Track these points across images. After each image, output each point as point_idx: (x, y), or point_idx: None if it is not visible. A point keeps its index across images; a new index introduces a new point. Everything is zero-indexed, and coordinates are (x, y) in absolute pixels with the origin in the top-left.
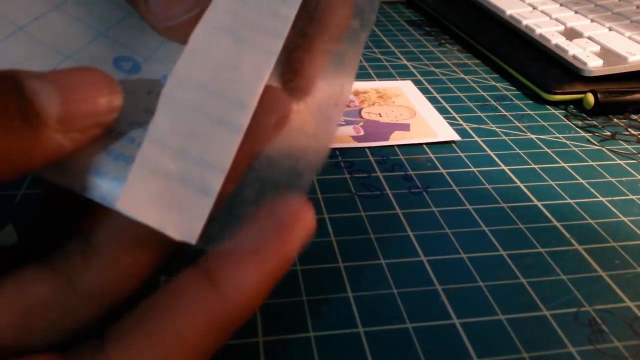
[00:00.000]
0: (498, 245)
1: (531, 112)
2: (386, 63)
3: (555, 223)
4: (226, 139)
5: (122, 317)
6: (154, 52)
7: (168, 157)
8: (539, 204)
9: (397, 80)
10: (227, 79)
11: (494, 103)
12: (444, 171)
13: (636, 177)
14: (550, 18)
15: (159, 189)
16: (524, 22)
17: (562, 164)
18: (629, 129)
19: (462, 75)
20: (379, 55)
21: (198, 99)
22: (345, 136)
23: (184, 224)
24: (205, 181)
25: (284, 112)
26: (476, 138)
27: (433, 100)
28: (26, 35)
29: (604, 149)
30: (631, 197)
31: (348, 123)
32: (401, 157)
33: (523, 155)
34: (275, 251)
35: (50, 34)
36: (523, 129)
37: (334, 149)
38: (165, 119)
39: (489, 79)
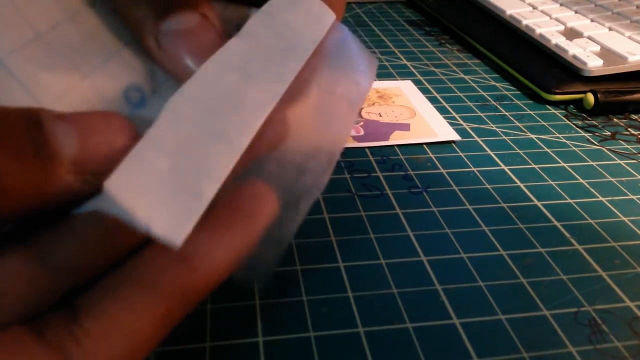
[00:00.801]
0: (498, 245)
1: (531, 112)
2: (386, 63)
3: (555, 223)
4: (225, 153)
5: (94, 287)
6: (162, 85)
7: (164, 156)
8: (539, 203)
9: (397, 80)
10: (232, 104)
11: (494, 103)
12: (444, 171)
13: (636, 177)
14: (550, 18)
15: (150, 184)
16: (524, 22)
17: (562, 164)
18: (629, 129)
19: (462, 75)
20: (379, 55)
21: (201, 114)
22: None
23: (171, 224)
24: (200, 187)
25: (282, 128)
26: (476, 138)
27: (433, 100)
28: (45, 46)
29: (604, 148)
30: (631, 197)
31: None
32: (401, 157)
33: (523, 155)
34: (242, 230)
35: (67, 47)
36: (523, 128)
37: None
38: (166, 125)
39: (489, 78)
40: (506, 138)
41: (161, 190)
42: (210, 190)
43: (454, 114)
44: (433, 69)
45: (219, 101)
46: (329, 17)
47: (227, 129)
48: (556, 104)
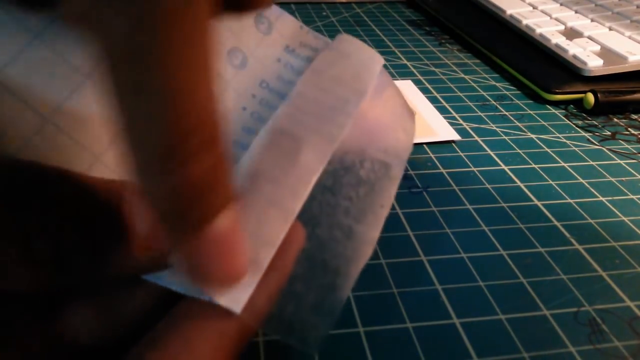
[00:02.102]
0: (498, 245)
1: (531, 112)
2: (386, 63)
3: (555, 223)
4: (279, 219)
5: (139, 341)
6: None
7: None
8: (539, 203)
9: (398, 79)
10: (284, 170)
11: (494, 103)
12: (444, 171)
13: (636, 176)
14: (551, 18)
15: None
16: (524, 21)
17: (562, 164)
18: (629, 129)
19: (462, 75)
20: None
21: (256, 184)
22: None
23: (231, 293)
24: (257, 254)
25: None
26: (476, 138)
27: (433, 100)
28: (87, 91)
29: (604, 148)
30: (631, 196)
31: None
32: None
33: (523, 155)
34: (275, 270)
35: None
36: (523, 128)
37: None
38: None
39: (489, 78)
40: (506, 138)
41: None
42: (266, 257)
43: (454, 114)
44: (433, 68)
45: (272, 168)
46: (378, 63)
47: (280, 195)
48: (556, 104)
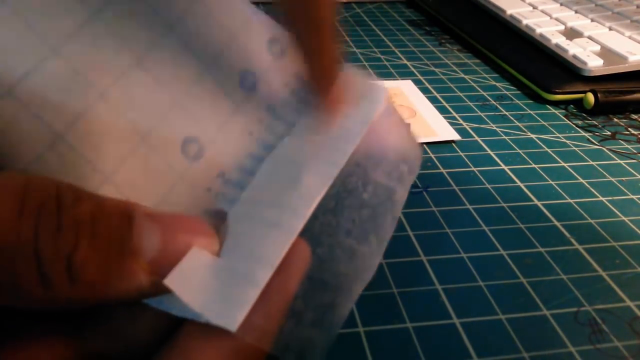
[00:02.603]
0: (498, 245)
1: (531, 112)
2: (386, 63)
3: (555, 223)
4: (279, 240)
5: None
6: (218, 133)
7: (221, 250)
8: (539, 203)
9: (398, 79)
10: (287, 193)
11: (494, 103)
12: (444, 171)
13: (636, 176)
14: (551, 18)
15: (207, 278)
16: (524, 21)
17: (562, 164)
18: (629, 129)
19: (462, 75)
20: (379, 55)
21: (259, 209)
22: None
23: (227, 313)
24: (254, 275)
25: (305, 258)
26: (476, 138)
27: (433, 100)
28: (103, 107)
29: (604, 148)
30: (631, 196)
31: None
32: None
33: (523, 155)
34: (277, 290)
35: (134, 100)
36: (523, 128)
37: None
38: (228, 226)
39: (489, 78)
40: (506, 138)
41: (217, 282)
42: (264, 277)
43: (454, 114)
44: (433, 68)
45: (274, 193)
46: (381, 93)
47: (281, 217)
48: (556, 104)
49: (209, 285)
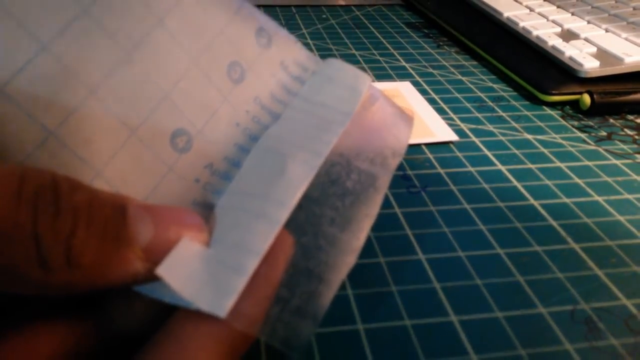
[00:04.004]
0: (495, 244)
1: (528, 113)
2: (385, 64)
3: (552, 222)
4: (265, 229)
5: (140, 349)
6: (206, 124)
7: (210, 245)
8: (535, 203)
9: (396, 81)
10: (272, 183)
11: (491, 104)
12: (442, 171)
13: (632, 176)
14: (547, 20)
15: (196, 266)
16: (521, 24)
17: (559, 164)
18: (625, 129)
19: (460, 77)
20: (378, 57)
21: (243, 200)
22: None
23: (216, 300)
24: (241, 263)
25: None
26: (474, 138)
27: (431, 101)
28: (95, 103)
29: (600, 149)
30: (627, 196)
31: None
32: None
33: (520, 155)
34: (263, 277)
35: (124, 94)
36: (520, 129)
37: None
38: (214, 218)
39: (487, 80)
40: (503, 138)
41: (206, 271)
42: (251, 265)
43: (452, 115)
44: (431, 70)
45: (259, 184)
46: (365, 82)
47: (266, 207)
48: (553, 105)
49: (198, 274)
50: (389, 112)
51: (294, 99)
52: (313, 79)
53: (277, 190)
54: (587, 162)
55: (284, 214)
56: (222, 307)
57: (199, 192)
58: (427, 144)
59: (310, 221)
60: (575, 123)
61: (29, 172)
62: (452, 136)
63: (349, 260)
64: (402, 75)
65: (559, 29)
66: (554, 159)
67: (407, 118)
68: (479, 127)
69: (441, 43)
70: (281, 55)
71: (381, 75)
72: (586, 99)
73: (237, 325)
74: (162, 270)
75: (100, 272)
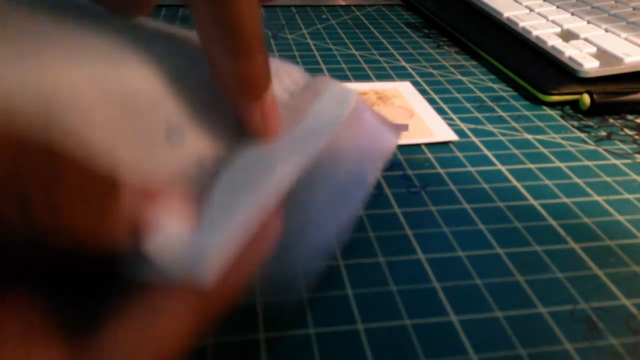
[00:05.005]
0: (495, 244)
1: (527, 113)
2: (385, 65)
3: (552, 222)
4: (249, 209)
5: (116, 310)
6: (200, 122)
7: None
8: (535, 203)
9: (396, 81)
10: (259, 179)
11: (491, 104)
12: (441, 171)
13: (631, 176)
14: (547, 20)
15: (181, 244)
16: (521, 24)
17: (558, 164)
18: (625, 129)
19: (460, 77)
20: (378, 57)
21: (231, 195)
22: None
23: (200, 272)
24: (225, 237)
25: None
26: (473, 138)
27: (431, 101)
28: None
29: (599, 149)
30: (626, 196)
31: None
32: (400, 156)
33: (519, 155)
34: (249, 253)
35: (122, 94)
36: (520, 129)
37: None
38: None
39: (486, 80)
40: (503, 138)
41: (190, 245)
42: (234, 241)
43: (452, 115)
44: (431, 70)
45: (248, 178)
46: (350, 98)
47: (254, 197)
48: (552, 105)
49: (183, 250)
50: (376, 123)
51: (285, 110)
52: (302, 92)
53: (265, 183)
54: (586, 162)
55: (270, 203)
56: (207, 279)
57: (188, 187)
58: (427, 144)
59: (297, 214)
60: (575, 123)
61: (26, 143)
62: (452, 136)
63: (328, 249)
64: (402, 75)
65: (558, 29)
66: (553, 158)
67: (394, 129)
68: (479, 127)
69: (441, 43)
70: (275, 71)
71: (381, 75)
72: (586, 99)
73: (218, 295)
74: (146, 245)
75: (84, 229)
